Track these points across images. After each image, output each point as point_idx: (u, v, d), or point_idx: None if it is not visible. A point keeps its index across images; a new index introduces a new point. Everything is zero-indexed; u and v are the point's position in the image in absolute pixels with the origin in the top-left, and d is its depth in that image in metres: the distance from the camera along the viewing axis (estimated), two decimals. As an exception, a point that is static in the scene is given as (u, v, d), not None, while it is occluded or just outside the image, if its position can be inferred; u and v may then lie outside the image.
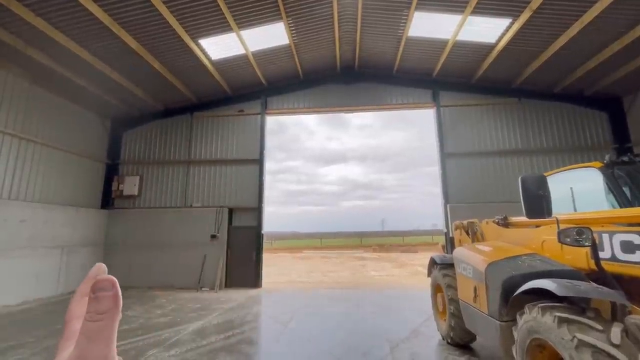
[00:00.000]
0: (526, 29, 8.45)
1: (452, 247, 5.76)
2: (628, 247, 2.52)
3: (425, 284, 6.69)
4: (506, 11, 8.08)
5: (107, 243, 11.45)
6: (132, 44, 8.41)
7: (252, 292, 10.04)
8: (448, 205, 10.92)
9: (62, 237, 9.76)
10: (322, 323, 6.57)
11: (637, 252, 2.46)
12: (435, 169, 11.72)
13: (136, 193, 11.80)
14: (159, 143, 12.37)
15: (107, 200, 11.87)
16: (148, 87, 10.88)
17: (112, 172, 12.07)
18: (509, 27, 8.57)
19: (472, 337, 4.70)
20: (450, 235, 9.12)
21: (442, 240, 11.40)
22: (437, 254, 5.77)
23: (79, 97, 10.36)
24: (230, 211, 11.56)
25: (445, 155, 11.42)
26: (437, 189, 11.51)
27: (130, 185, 11.83)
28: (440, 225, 11.55)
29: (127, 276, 10.94)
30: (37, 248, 8.92)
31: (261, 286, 10.75)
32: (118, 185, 11.87)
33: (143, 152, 12.36)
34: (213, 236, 11.09)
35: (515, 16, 8.16)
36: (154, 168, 12.21)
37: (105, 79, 9.59)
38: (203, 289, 10.42)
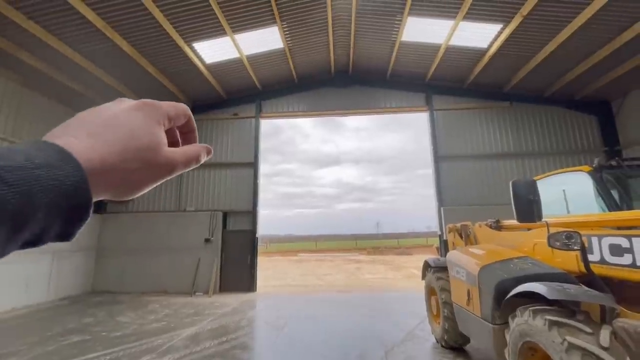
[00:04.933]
0: (517, 34, 8.59)
1: (446, 249, 5.81)
2: (616, 250, 2.57)
3: (419, 286, 6.72)
4: (497, 17, 8.22)
5: (100, 248, 11.30)
6: (126, 47, 8.36)
7: (247, 296, 9.97)
8: (442, 208, 11.00)
9: (53, 243, 9.59)
10: (317, 327, 6.55)
11: (626, 255, 2.51)
12: (430, 172, 11.81)
13: (129, 197, 11.69)
14: (152, 146, 12.28)
15: (100, 204, 11.73)
16: (141, 90, 10.82)
17: (104, 176, 11.94)
18: (500, 32, 8.71)
19: (466, 340, 4.72)
20: (445, 237, 9.20)
21: (436, 242, 11.46)
22: (431, 257, 5.81)
23: (71, 100, 10.25)
24: (225, 215, 11.50)
25: (439, 158, 11.51)
26: (432, 192, 11.59)
27: (123, 189, 11.71)
28: (435, 227, 11.63)
29: (119, 281, 10.81)
30: (26, 254, 8.76)
31: (256, 290, 10.69)
32: (111, 189, 11.75)
33: (136, 156, 12.26)
34: (207, 240, 11.02)
35: (506, 22, 8.30)
36: (147, 172, 12.10)
37: (99, 82, 9.52)
38: (197, 293, 10.32)
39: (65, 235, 0.32)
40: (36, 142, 0.30)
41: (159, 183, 0.39)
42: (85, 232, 10.67)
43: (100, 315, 7.68)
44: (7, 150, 0.28)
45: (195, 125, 0.47)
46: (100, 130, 0.34)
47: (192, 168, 0.42)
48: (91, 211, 0.32)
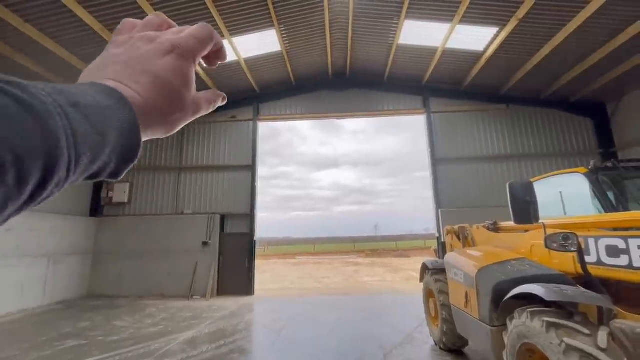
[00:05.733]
0: (513, 37, 8.66)
1: (444, 251, 5.82)
2: (613, 251, 2.59)
3: (418, 289, 6.72)
4: (493, 20, 8.28)
5: (96, 251, 11.22)
6: (123, 50, 8.35)
7: (245, 299, 9.93)
8: (440, 210, 11.02)
9: (49, 246, 9.54)
10: (315, 330, 6.53)
11: (622, 256, 2.52)
12: (427, 174, 11.83)
13: (126, 200, 11.63)
14: (149, 149, 12.25)
15: (97, 207, 11.66)
16: (139, 93, 10.80)
17: (101, 179, 11.87)
18: (496, 35, 8.77)
19: (465, 343, 4.72)
20: (443, 240, 9.20)
21: (434, 244, 11.47)
22: (429, 259, 5.81)
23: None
24: (222, 218, 11.46)
25: (436, 161, 11.55)
26: (429, 194, 11.61)
27: (119, 192, 11.66)
28: (433, 229, 11.64)
29: (116, 285, 10.73)
30: (23, 257, 8.70)
31: (254, 293, 10.65)
32: (107, 193, 11.69)
33: (133, 159, 12.20)
34: (205, 243, 10.97)
35: (502, 25, 8.36)
36: (144, 174, 12.07)
37: (95, 85, 9.49)
38: (194, 297, 10.26)
39: (115, 173, 0.35)
40: (94, 85, 0.33)
41: (187, 123, 0.44)
42: (81, 236, 10.67)
43: (96, 319, 7.61)
44: (78, 91, 0.30)
45: (221, 41, 0.49)
46: (142, 77, 0.38)
47: (210, 111, 0.48)
48: (139, 154, 0.36)
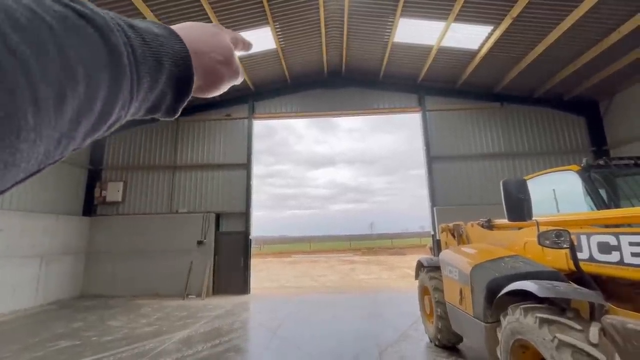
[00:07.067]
0: (507, 36, 8.71)
1: (439, 249, 5.85)
2: (604, 248, 2.61)
3: (413, 286, 6.75)
4: (488, 19, 8.32)
5: (90, 251, 11.11)
6: (116, 47, 8.26)
7: (240, 298, 9.91)
8: (435, 208, 11.08)
9: (41, 246, 9.42)
10: (311, 329, 6.53)
11: (613, 252, 2.55)
12: (423, 172, 11.88)
13: (120, 199, 11.52)
14: (143, 148, 12.14)
15: (90, 207, 11.54)
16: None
17: (94, 178, 11.75)
18: (491, 34, 8.82)
19: (459, 339, 4.75)
20: (438, 237, 9.25)
21: (429, 242, 11.55)
22: (424, 256, 5.83)
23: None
24: (218, 216, 11.41)
25: (431, 159, 11.59)
26: (425, 192, 11.66)
27: (113, 191, 11.54)
28: (428, 227, 11.70)
29: (110, 285, 10.64)
30: (14, 258, 8.58)
31: (249, 292, 10.63)
32: (101, 192, 11.57)
33: (127, 158, 12.09)
34: (199, 242, 10.91)
35: (496, 24, 8.40)
36: (138, 173, 11.96)
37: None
38: (189, 296, 10.22)
39: (172, 109, 0.37)
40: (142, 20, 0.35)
41: (230, 85, 0.46)
42: (74, 236, 10.56)
43: (90, 319, 7.54)
44: (130, 19, 0.31)
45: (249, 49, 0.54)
46: (190, 29, 0.40)
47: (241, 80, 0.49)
48: (192, 88, 0.37)
